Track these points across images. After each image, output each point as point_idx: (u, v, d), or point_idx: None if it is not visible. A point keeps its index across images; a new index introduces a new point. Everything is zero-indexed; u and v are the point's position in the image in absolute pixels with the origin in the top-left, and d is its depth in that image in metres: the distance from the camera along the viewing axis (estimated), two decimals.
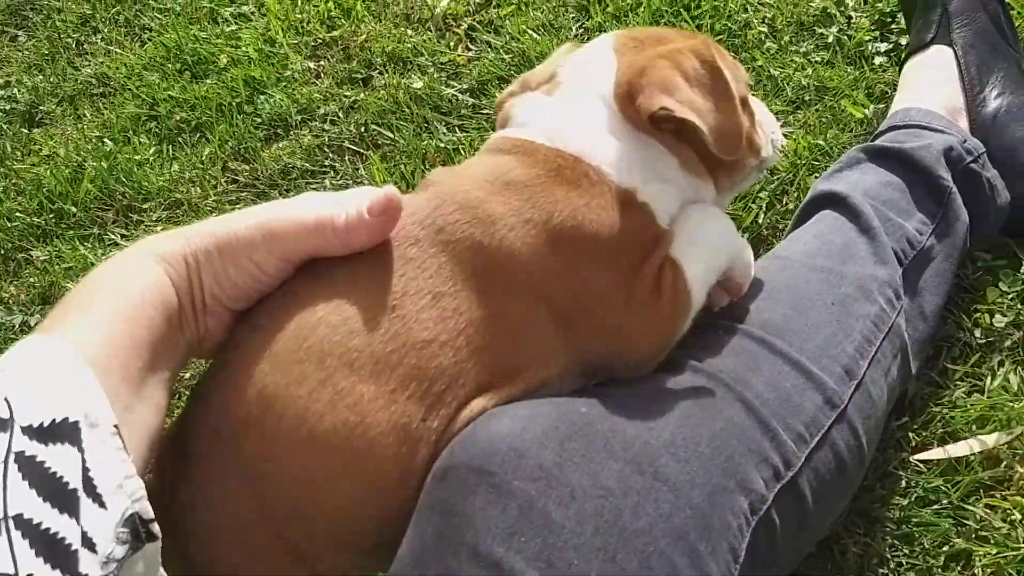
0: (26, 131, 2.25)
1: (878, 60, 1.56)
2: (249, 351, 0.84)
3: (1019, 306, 1.20)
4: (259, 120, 1.98)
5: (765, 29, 1.68)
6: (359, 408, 0.79)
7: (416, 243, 0.86)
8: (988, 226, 1.21)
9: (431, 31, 2.03)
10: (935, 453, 1.12)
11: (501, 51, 1.89)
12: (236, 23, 2.27)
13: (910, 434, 1.15)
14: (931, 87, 1.30)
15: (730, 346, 0.98)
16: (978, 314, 1.21)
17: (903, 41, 1.56)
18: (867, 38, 1.60)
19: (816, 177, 1.39)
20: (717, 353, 0.97)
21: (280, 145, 1.92)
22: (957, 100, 1.28)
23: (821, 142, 1.46)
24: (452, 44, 1.98)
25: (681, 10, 1.76)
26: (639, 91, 0.90)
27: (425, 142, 1.77)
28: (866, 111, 1.48)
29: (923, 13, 1.38)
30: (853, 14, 1.65)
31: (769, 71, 1.61)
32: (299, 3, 2.24)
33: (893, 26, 1.60)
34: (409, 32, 2.05)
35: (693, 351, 0.97)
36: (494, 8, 2.01)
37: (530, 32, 1.89)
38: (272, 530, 0.80)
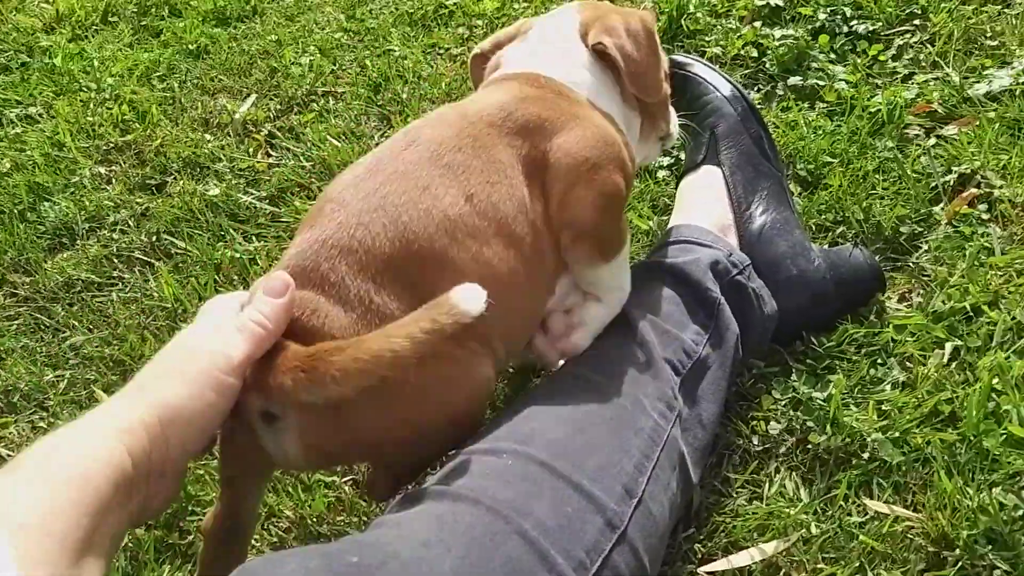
0: None
1: (661, 174, 1.65)
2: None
3: (791, 412, 1.26)
4: (42, 229, 1.86)
5: None
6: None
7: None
8: (757, 335, 1.27)
9: (230, 136, 1.99)
10: (719, 564, 1.14)
11: (302, 158, 1.87)
12: (22, 125, 2.15)
13: (696, 545, 1.17)
14: (703, 205, 1.38)
15: (513, 472, 0.98)
16: (755, 421, 1.26)
17: (682, 156, 1.65)
18: None
19: None
20: (501, 481, 0.96)
21: (64, 255, 1.81)
22: (727, 217, 1.36)
23: None
24: (252, 150, 1.94)
25: None
26: (590, 29, 1.21)
27: (220, 252, 1.71)
28: (650, 223, 1.55)
29: (694, 136, 1.47)
30: None
31: None
32: (91, 105, 2.15)
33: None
34: (207, 137, 2.00)
35: (477, 478, 0.96)
36: (295, 115, 2.00)
37: (331, 139, 1.88)
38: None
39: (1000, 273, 1.30)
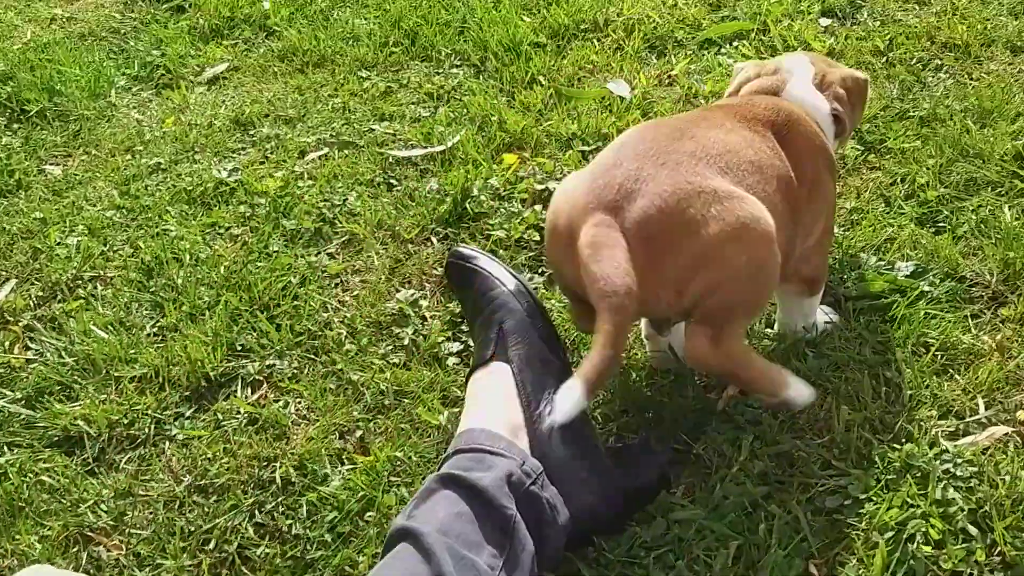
0: None
1: (451, 361, 1.63)
2: None
3: None
4: None
5: (344, 330, 1.70)
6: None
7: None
8: (552, 549, 1.24)
9: None
10: None
11: (64, 353, 1.72)
12: None
13: None
14: (493, 404, 1.36)
15: None
16: None
17: (470, 342, 1.64)
18: (440, 339, 1.67)
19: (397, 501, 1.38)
20: None
21: None
22: (517, 417, 1.35)
23: (400, 453, 1.46)
24: (7, 344, 1.77)
25: (258, 312, 1.73)
26: (824, 86, 1.59)
27: None
28: (441, 417, 1.51)
29: (483, 330, 1.46)
30: (427, 315, 1.73)
31: (349, 375, 1.61)
32: None
33: (463, 326, 1.69)
34: None
35: None
36: (58, 303, 1.85)
37: (97, 330, 1.75)
38: None
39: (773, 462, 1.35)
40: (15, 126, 2.49)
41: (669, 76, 2.23)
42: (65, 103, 2.52)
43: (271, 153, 2.20)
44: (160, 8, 2.98)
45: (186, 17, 2.90)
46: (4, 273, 1.96)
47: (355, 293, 1.79)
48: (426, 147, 2.13)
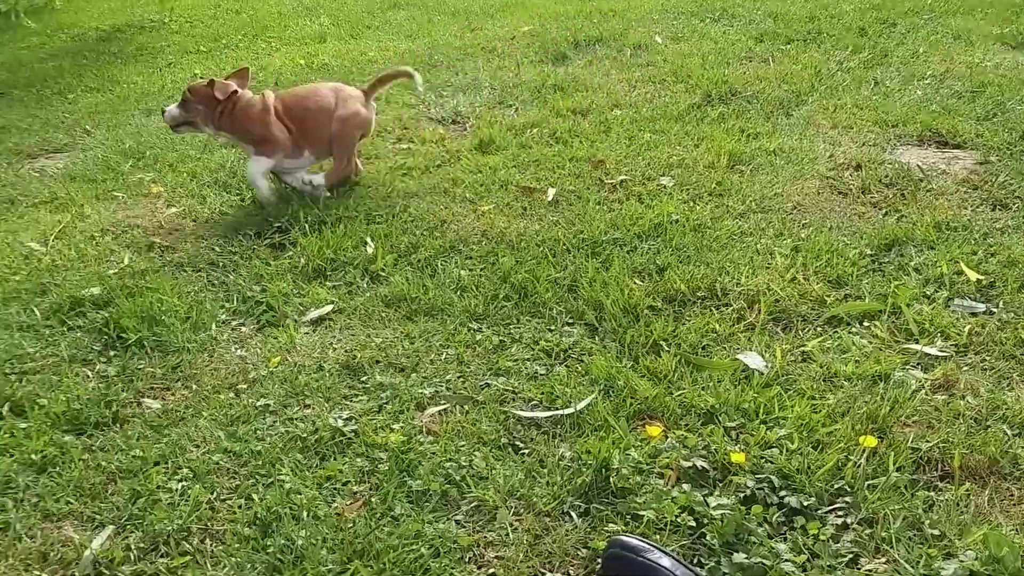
0: None
1: None
2: None
3: None
4: None
5: None
6: None
7: None
8: None
9: None
10: None
11: None
12: None
13: None
14: None
15: None
16: None
17: None
18: None
19: None
20: None
21: None
22: None
23: None
24: None
25: None
26: None
27: None
28: None
29: None
30: None
31: None
32: None
33: None
34: None
35: None
36: (162, 557, 1.69)
37: None
38: None
39: None
40: (111, 353, 2.42)
41: (802, 351, 2.18)
42: (165, 333, 2.47)
43: (386, 403, 2.11)
44: (261, 244, 3.00)
45: (288, 256, 2.91)
46: (99, 517, 1.81)
47: (491, 572, 1.63)
48: (552, 409, 2.04)
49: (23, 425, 2.09)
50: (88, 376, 2.31)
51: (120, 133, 4.35)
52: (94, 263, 2.93)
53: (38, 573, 1.66)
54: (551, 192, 3.19)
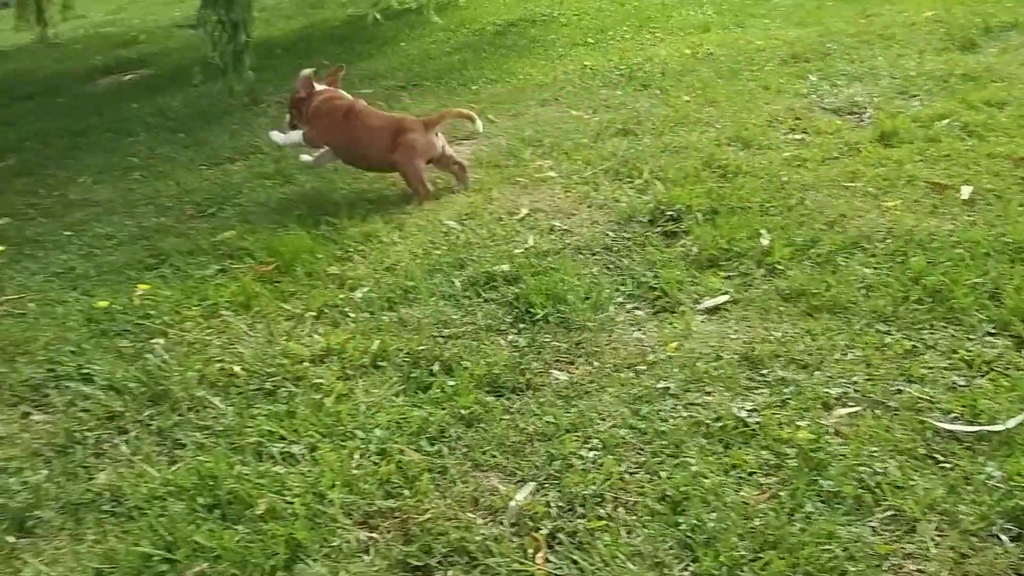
0: (11, 539, 1.93)
1: None
2: None
3: None
4: None
5: None
6: None
7: None
8: None
9: (503, 526, 1.82)
10: None
11: (587, 574, 1.65)
12: (284, 464, 2.06)
13: None
14: None
15: None
16: None
17: None
18: None
19: None
20: None
21: None
22: None
23: None
24: (530, 550, 1.75)
25: None
26: None
27: None
28: None
29: None
30: None
31: None
32: (357, 456, 2.05)
33: None
34: (478, 520, 1.83)
35: None
36: (579, 518, 1.82)
37: (623, 559, 1.67)
38: None
39: None
40: (520, 325, 2.62)
41: None
42: (567, 311, 2.62)
43: (790, 399, 2.08)
44: (654, 231, 3.09)
45: (680, 244, 2.96)
46: (520, 473, 1.98)
47: None
48: (976, 424, 1.90)
49: (451, 383, 2.33)
50: (502, 344, 2.52)
51: (520, 122, 4.69)
52: (503, 242, 3.19)
53: (471, 514, 1.86)
54: (966, 190, 2.95)
